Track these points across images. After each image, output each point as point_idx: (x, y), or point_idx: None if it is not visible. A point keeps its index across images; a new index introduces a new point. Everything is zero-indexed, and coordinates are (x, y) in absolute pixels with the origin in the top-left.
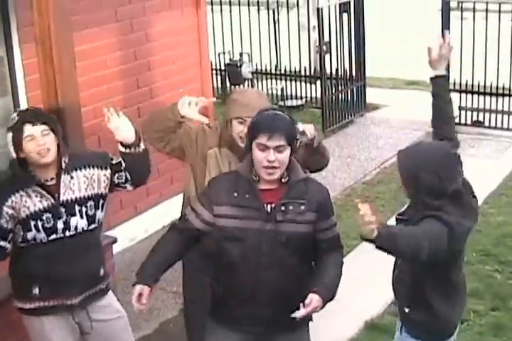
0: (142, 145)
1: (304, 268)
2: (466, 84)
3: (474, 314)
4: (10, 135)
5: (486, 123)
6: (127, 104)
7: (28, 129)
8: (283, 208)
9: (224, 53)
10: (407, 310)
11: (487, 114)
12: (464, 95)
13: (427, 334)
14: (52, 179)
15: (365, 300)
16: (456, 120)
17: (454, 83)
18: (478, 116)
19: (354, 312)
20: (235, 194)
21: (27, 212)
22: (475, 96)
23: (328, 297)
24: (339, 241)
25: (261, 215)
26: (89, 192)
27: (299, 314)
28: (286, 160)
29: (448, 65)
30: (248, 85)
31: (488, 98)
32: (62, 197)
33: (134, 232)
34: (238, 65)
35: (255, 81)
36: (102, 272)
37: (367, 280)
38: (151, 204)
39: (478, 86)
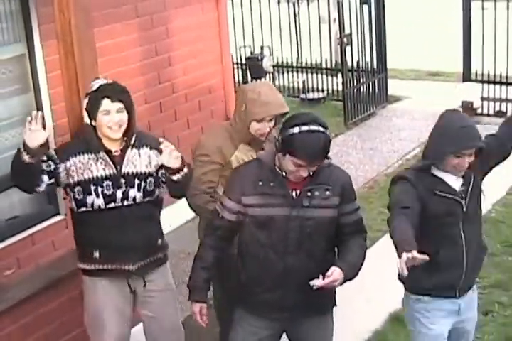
0: (185, 170)
1: (329, 253)
2: (488, 75)
3: (499, 305)
4: (85, 102)
5: (509, 113)
6: (149, 100)
7: (106, 104)
8: (309, 194)
9: (245, 47)
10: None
11: (510, 104)
12: (486, 85)
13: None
14: (116, 151)
15: (388, 292)
16: (479, 110)
17: (476, 73)
18: (500, 106)
19: (378, 304)
20: (260, 183)
21: (90, 175)
22: (497, 86)
23: (349, 274)
24: (363, 225)
25: (287, 202)
26: (148, 169)
27: (317, 283)
28: None
29: (470, 56)
30: (270, 79)
31: (510, 88)
32: (124, 169)
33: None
34: (259, 58)
35: (276, 74)
36: (159, 242)
37: (390, 272)
38: (174, 199)
39: (501, 76)
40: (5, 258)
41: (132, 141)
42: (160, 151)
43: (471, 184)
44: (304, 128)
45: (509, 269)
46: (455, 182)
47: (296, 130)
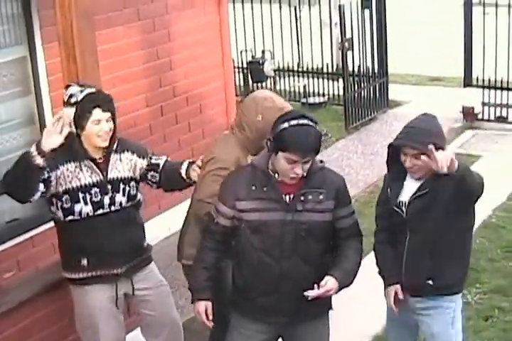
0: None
1: (325, 257)
2: (489, 80)
3: (499, 311)
4: (72, 111)
5: (510, 119)
6: (150, 103)
7: (98, 113)
8: (302, 198)
9: (246, 51)
10: (431, 283)
11: (511, 110)
12: (486, 91)
13: None
14: (100, 158)
15: None
16: (480, 116)
17: (477, 79)
18: (501, 111)
19: (378, 309)
20: (253, 187)
21: (77, 184)
22: (498, 91)
23: (344, 282)
24: (358, 229)
25: (281, 206)
26: (130, 174)
27: (311, 293)
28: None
29: (471, 61)
30: (271, 83)
31: (511, 93)
32: (110, 175)
33: (157, 231)
34: (260, 62)
35: (277, 78)
36: (145, 244)
37: None
38: (174, 202)
39: (502, 81)
40: (5, 261)
41: (114, 147)
42: (142, 156)
43: (421, 194)
44: (293, 122)
45: (509, 274)
46: (409, 187)
47: (285, 125)
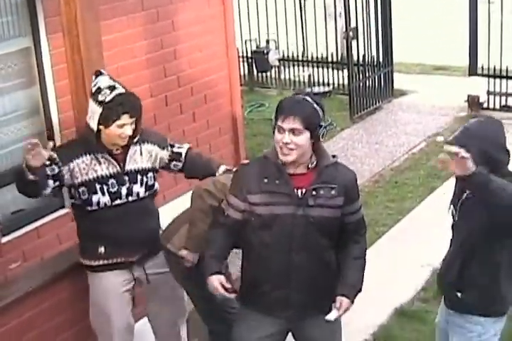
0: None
1: (332, 251)
2: (495, 69)
3: None
4: (100, 110)
5: None
6: (154, 93)
7: (125, 118)
8: (314, 193)
9: (250, 40)
10: (459, 295)
11: None
12: (492, 80)
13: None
14: (117, 150)
15: (394, 286)
16: (485, 105)
17: (482, 68)
18: (506, 100)
19: (384, 299)
20: (265, 180)
21: (94, 175)
22: (503, 80)
23: (355, 294)
24: (364, 224)
25: (292, 200)
26: (149, 164)
27: (332, 316)
28: (302, 144)
29: (476, 50)
30: (275, 72)
31: None
32: (127, 167)
33: (161, 221)
34: (265, 51)
35: (282, 68)
36: (160, 232)
37: (396, 267)
38: (180, 192)
39: (507, 70)
40: (10, 252)
41: (135, 140)
42: (163, 147)
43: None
44: (291, 96)
45: None
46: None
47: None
